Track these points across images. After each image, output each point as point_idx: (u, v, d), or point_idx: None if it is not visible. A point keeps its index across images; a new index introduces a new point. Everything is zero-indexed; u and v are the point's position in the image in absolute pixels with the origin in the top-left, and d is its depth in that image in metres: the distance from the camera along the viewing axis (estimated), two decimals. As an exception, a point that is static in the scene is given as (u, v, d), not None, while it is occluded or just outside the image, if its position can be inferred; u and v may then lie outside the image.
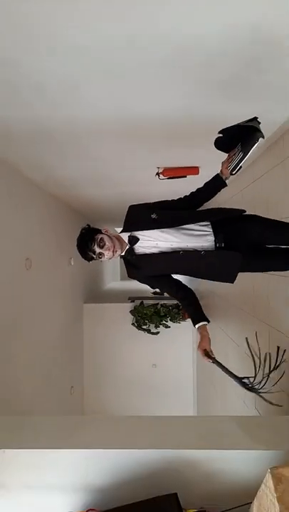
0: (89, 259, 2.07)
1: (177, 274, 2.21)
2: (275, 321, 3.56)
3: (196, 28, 1.84)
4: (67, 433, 2.41)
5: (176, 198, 2.18)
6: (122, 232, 2.10)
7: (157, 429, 2.43)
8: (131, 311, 8.80)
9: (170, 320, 8.66)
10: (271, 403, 2.00)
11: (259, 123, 1.88)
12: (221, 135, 1.96)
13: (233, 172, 1.97)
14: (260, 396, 1.95)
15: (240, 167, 1.95)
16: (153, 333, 8.67)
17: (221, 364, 2.05)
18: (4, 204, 4.05)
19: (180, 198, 2.18)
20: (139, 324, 8.70)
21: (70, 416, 4.61)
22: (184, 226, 2.05)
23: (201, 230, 2.07)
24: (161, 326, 8.67)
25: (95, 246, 2.00)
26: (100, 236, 2.01)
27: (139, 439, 2.28)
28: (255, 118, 1.90)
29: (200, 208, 2.19)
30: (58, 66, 2.13)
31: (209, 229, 2.08)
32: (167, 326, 8.66)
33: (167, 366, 8.69)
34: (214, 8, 1.71)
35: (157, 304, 8.84)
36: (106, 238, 2.01)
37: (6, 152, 3.60)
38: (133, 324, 8.73)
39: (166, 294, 7.52)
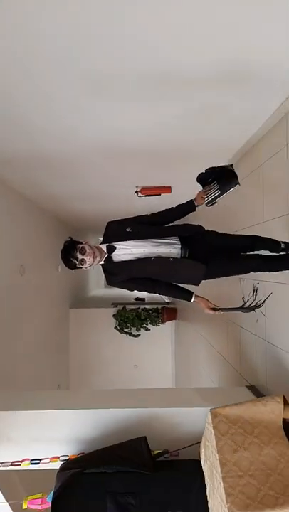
0: (72, 266, 2.24)
1: (150, 278, 2.34)
2: (244, 322, 4.21)
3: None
4: (62, 399, 3.06)
5: (149, 214, 2.38)
6: (101, 243, 2.33)
7: (132, 396, 3.10)
8: (114, 315, 9.42)
9: (150, 323, 9.32)
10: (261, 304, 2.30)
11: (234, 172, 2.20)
12: (203, 172, 2.21)
13: (209, 205, 2.21)
14: (258, 307, 2.28)
15: (216, 202, 2.21)
16: (134, 336, 9.30)
17: (226, 308, 2.33)
18: (2, 217, 4.68)
19: (154, 214, 2.37)
20: (121, 328, 9.31)
21: (64, 390, 5.15)
22: (155, 239, 2.27)
23: (170, 241, 2.30)
24: (142, 328, 9.31)
25: (77, 253, 2.18)
26: (81, 245, 2.21)
27: (118, 402, 2.95)
28: (231, 165, 2.22)
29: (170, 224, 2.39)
30: (57, 117, 2.80)
31: (176, 240, 2.32)
32: (147, 329, 9.32)
33: (147, 366, 9.30)
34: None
35: (138, 308, 9.50)
36: (86, 247, 2.20)
37: (4, 174, 4.24)
38: (116, 328, 9.35)
39: (147, 299, 8.16)
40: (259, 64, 2.09)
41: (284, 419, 2.36)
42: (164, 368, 9.42)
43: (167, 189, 5.06)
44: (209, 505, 2.34)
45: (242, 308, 2.30)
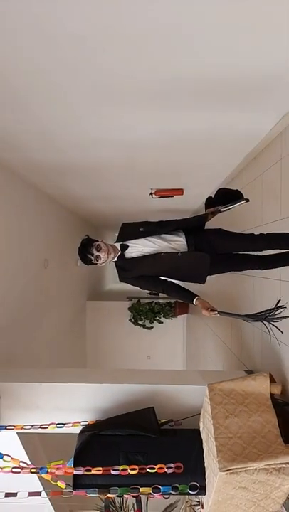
0: (88, 262, 2.40)
1: (158, 275, 2.50)
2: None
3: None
4: (82, 375, 3.54)
5: (159, 220, 2.56)
6: (116, 242, 2.49)
7: (143, 375, 3.56)
8: (129, 308, 9.91)
9: (163, 316, 9.78)
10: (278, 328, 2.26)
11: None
12: (212, 196, 2.52)
13: (222, 210, 2.46)
14: (262, 320, 2.27)
15: (226, 210, 2.47)
16: (148, 328, 9.78)
17: (225, 312, 2.37)
18: (31, 216, 5.18)
19: (162, 221, 2.54)
20: (135, 320, 9.79)
21: (84, 368, 5.62)
22: (163, 235, 2.45)
23: (177, 239, 2.46)
24: (155, 321, 9.77)
25: (93, 249, 2.35)
26: (97, 243, 2.38)
27: (130, 379, 3.40)
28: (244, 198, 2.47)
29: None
30: (81, 131, 3.24)
31: (183, 238, 2.47)
32: (160, 322, 9.78)
33: (160, 357, 9.76)
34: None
35: (152, 302, 9.96)
36: (102, 244, 2.37)
37: (36, 179, 4.74)
38: (130, 320, 9.83)
39: (160, 294, 8.53)
40: (256, 89, 2.48)
41: (271, 394, 2.78)
42: (176, 359, 9.85)
43: (179, 191, 5.47)
44: (206, 464, 2.78)
45: (246, 316, 2.32)
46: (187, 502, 3.79)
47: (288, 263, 2.61)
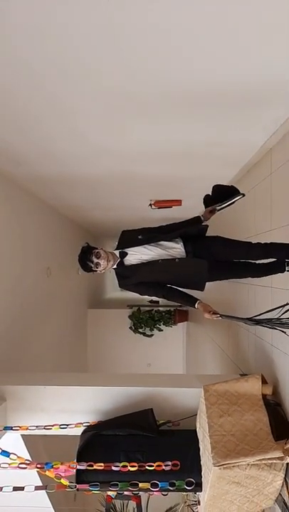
0: (88, 269, 2.43)
1: (158, 281, 2.52)
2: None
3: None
4: (84, 379, 3.70)
5: (158, 226, 2.61)
6: (115, 250, 2.53)
7: (142, 379, 3.72)
8: (129, 316, 10.06)
9: (163, 324, 9.93)
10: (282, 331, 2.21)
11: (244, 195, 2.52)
12: (209, 194, 2.53)
13: (218, 208, 2.49)
14: (262, 325, 2.26)
15: (223, 207, 2.50)
16: (148, 336, 9.91)
17: (226, 315, 2.41)
18: (35, 225, 5.38)
19: (161, 226, 2.59)
20: (136, 328, 9.94)
21: (87, 373, 5.75)
22: (161, 242, 2.48)
23: (175, 246, 2.49)
24: (155, 329, 9.92)
25: (93, 257, 2.38)
26: (96, 250, 2.41)
27: (130, 382, 3.56)
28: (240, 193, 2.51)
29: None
30: (82, 145, 3.45)
31: (181, 245, 2.50)
32: (160, 330, 9.92)
33: (160, 365, 9.86)
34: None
35: (152, 310, 10.12)
36: (101, 251, 2.41)
37: (39, 190, 4.95)
38: (130, 328, 9.98)
39: (161, 302, 8.78)
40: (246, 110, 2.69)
41: (263, 395, 2.94)
42: (176, 367, 9.96)
43: (178, 202, 5.67)
44: (202, 462, 2.93)
45: (247, 320, 2.33)
46: (186, 502, 3.92)
47: (280, 270, 2.63)
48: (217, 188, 2.61)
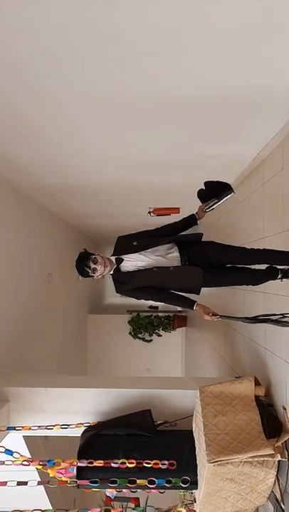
0: (85, 274, 2.46)
1: (155, 287, 2.53)
2: (237, 325, 4.90)
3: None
4: (85, 381, 3.82)
5: (155, 228, 2.62)
6: (111, 256, 2.55)
7: (140, 381, 3.84)
8: (128, 322, 10.18)
9: (162, 329, 10.05)
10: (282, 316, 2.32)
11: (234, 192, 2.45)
12: (203, 188, 2.47)
13: (207, 210, 2.46)
14: (268, 321, 2.34)
15: (213, 208, 2.47)
16: (147, 341, 10.03)
17: (226, 316, 2.47)
18: (37, 232, 5.53)
19: (158, 228, 2.60)
20: (135, 333, 10.05)
21: (87, 375, 5.86)
22: (157, 249, 2.48)
23: (170, 252, 2.51)
24: (154, 334, 10.03)
25: (90, 262, 2.42)
26: (94, 256, 2.45)
27: (128, 384, 3.68)
28: (230, 187, 2.46)
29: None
30: (83, 159, 3.61)
31: (176, 251, 2.52)
32: (159, 335, 10.04)
33: (159, 370, 9.97)
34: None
35: (151, 315, 10.24)
36: (98, 257, 2.44)
37: (42, 199, 5.12)
38: (130, 333, 10.09)
39: (160, 307, 8.87)
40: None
41: (255, 396, 3.07)
42: (175, 372, 10.05)
43: (176, 210, 5.81)
44: (197, 461, 3.05)
45: (246, 319, 2.43)
46: (183, 502, 4.01)
47: (272, 277, 2.62)
48: (208, 185, 2.54)
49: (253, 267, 2.65)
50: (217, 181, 2.44)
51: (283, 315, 2.27)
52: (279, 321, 2.25)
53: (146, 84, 2.22)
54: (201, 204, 2.51)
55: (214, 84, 2.22)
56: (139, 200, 5.55)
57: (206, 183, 2.50)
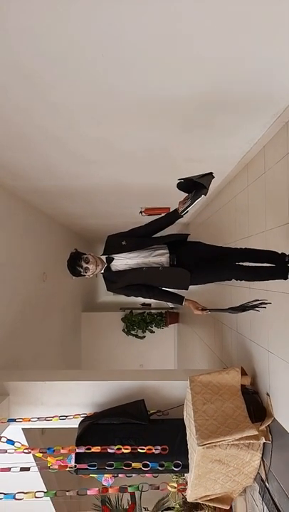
0: (77, 273, 2.49)
1: (144, 284, 2.56)
2: (226, 319, 5.13)
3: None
4: (80, 375, 4.01)
5: (143, 225, 2.61)
6: (102, 255, 2.60)
7: (134, 374, 4.04)
8: (122, 319, 10.38)
9: (155, 326, 10.27)
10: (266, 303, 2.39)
11: (213, 177, 2.30)
12: (181, 180, 2.32)
13: (182, 214, 2.40)
14: (248, 308, 2.42)
15: (187, 211, 2.39)
16: (140, 338, 10.23)
17: (214, 309, 2.54)
18: (31, 233, 5.69)
19: (146, 224, 2.60)
20: (128, 330, 10.26)
21: (83, 370, 6.02)
22: (147, 248, 2.53)
23: (160, 251, 2.54)
24: (147, 331, 10.25)
25: (82, 262, 2.46)
26: (85, 256, 2.50)
27: (122, 377, 3.88)
28: (211, 173, 2.29)
29: (158, 234, 2.61)
30: (76, 163, 3.78)
31: (166, 250, 2.55)
32: (152, 331, 10.25)
33: (152, 365, 10.18)
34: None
35: (144, 312, 10.45)
36: (90, 257, 2.49)
37: (37, 201, 5.27)
38: (123, 330, 10.29)
39: (152, 305, 9.06)
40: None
41: (242, 385, 3.28)
42: (167, 367, 10.27)
43: (166, 209, 6.02)
44: (188, 446, 3.26)
45: (230, 310, 2.49)
46: (175, 488, 4.22)
47: (284, 277, 2.58)
48: (182, 185, 2.40)
49: (254, 264, 2.67)
50: (191, 179, 2.30)
51: (258, 300, 2.40)
52: (254, 305, 2.39)
53: (136, 89, 2.26)
54: (181, 199, 2.43)
55: (202, 89, 2.31)
56: (131, 201, 5.74)
57: (181, 179, 2.35)
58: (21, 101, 2.43)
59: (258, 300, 2.40)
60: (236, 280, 2.65)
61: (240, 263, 2.69)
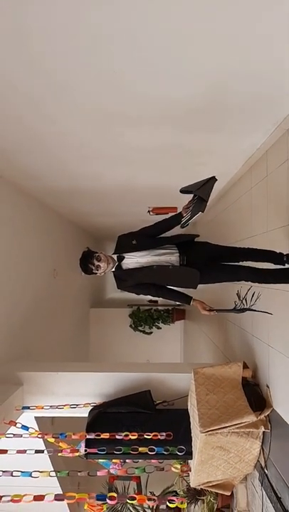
0: (89, 271, 2.57)
1: (153, 283, 2.66)
2: (231, 316, 5.30)
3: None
4: (91, 366, 4.22)
5: (152, 224, 2.69)
6: (113, 254, 2.66)
7: (141, 366, 4.24)
8: (129, 315, 10.59)
9: (162, 322, 10.47)
10: (265, 312, 2.61)
11: (216, 180, 2.33)
12: (183, 189, 2.33)
13: (183, 226, 2.42)
14: (252, 310, 2.49)
15: (188, 224, 2.40)
16: (147, 334, 10.44)
17: (220, 309, 2.61)
18: (43, 231, 5.91)
19: (155, 224, 2.68)
20: (135, 326, 10.47)
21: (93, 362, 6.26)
22: (157, 248, 2.59)
23: (170, 250, 2.60)
24: (154, 327, 10.45)
25: (94, 260, 2.54)
26: (97, 254, 2.56)
27: (130, 369, 4.08)
28: (213, 177, 2.32)
29: (167, 234, 2.67)
30: (88, 165, 3.96)
31: (176, 249, 2.61)
32: (159, 328, 10.46)
33: (158, 361, 10.36)
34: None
35: (151, 309, 10.65)
36: (101, 255, 2.56)
37: (49, 200, 5.49)
38: (131, 326, 10.50)
39: (160, 302, 9.26)
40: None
41: (243, 377, 3.46)
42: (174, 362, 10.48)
43: (174, 209, 6.19)
44: (192, 434, 3.45)
45: (235, 310, 2.55)
46: (180, 476, 4.42)
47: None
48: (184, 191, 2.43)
49: (264, 265, 2.72)
50: (191, 191, 2.31)
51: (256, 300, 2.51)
52: (254, 309, 2.51)
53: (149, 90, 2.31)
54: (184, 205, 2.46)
55: (206, 95, 2.39)
56: (139, 201, 5.93)
57: (182, 191, 2.38)
58: (50, 111, 2.59)
59: (255, 303, 2.50)
60: (246, 281, 2.68)
61: (250, 265, 2.74)
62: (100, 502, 4.34)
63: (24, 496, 2.36)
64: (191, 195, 2.32)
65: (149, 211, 6.35)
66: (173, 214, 2.60)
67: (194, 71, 2.13)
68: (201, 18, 1.70)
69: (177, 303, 11.39)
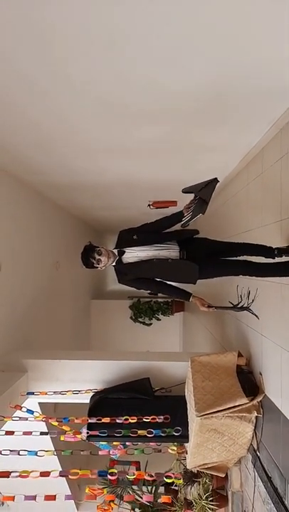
0: (90, 265, 2.61)
1: (153, 278, 2.71)
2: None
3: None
4: (93, 354, 4.40)
5: (153, 220, 2.76)
6: (114, 248, 2.71)
7: (141, 355, 4.41)
8: (129, 307, 10.77)
9: (161, 314, 10.65)
10: (256, 316, 2.76)
11: (218, 181, 2.38)
12: (185, 189, 2.39)
13: (184, 226, 2.45)
14: (250, 311, 2.62)
15: (189, 224, 2.43)
16: (147, 325, 10.63)
17: (219, 306, 2.66)
18: (46, 224, 6.06)
19: (155, 221, 2.74)
20: (136, 317, 10.65)
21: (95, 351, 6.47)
22: (158, 243, 2.63)
23: (170, 245, 2.65)
24: (154, 319, 10.63)
25: (95, 254, 2.59)
26: (98, 248, 2.62)
27: (130, 357, 4.26)
28: (215, 179, 2.36)
29: (169, 230, 2.73)
30: (92, 161, 4.09)
31: (176, 245, 2.66)
32: (159, 319, 10.64)
33: (158, 351, 10.56)
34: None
35: (151, 301, 10.82)
36: (103, 250, 2.61)
37: (52, 194, 5.63)
38: (131, 317, 10.68)
39: (159, 294, 9.31)
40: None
41: (238, 365, 3.63)
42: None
43: (174, 203, 6.32)
44: (189, 419, 3.63)
45: (235, 308, 2.65)
46: (177, 460, 4.61)
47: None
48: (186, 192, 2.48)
49: (267, 260, 2.75)
50: (193, 192, 2.35)
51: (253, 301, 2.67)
52: (252, 312, 2.69)
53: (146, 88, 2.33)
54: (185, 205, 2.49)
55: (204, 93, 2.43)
56: (140, 195, 6.06)
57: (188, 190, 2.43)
58: (63, 108, 2.65)
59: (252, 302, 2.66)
60: (244, 275, 2.78)
61: (249, 259, 2.81)
62: (100, 486, 4.55)
63: (31, 472, 2.54)
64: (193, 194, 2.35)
65: (149, 205, 6.48)
66: (174, 212, 2.64)
67: (197, 63, 2.10)
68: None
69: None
